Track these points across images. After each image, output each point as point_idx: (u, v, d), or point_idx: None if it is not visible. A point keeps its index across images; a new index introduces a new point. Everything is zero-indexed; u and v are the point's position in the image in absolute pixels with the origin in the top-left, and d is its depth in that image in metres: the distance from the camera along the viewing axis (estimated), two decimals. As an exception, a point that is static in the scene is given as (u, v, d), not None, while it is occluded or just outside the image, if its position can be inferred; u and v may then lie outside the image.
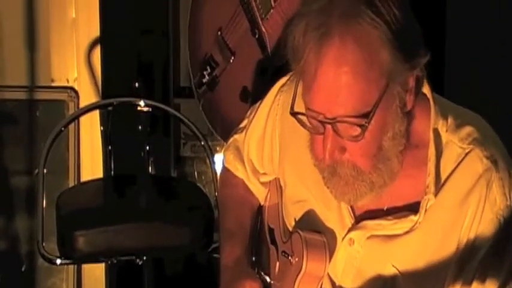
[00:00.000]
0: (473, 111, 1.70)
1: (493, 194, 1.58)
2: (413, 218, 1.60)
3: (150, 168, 3.31)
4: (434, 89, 1.65)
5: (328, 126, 1.53)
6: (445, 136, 1.62)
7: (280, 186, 1.89)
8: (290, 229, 1.82)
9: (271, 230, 1.94)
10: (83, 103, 3.41)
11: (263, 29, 2.48)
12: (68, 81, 3.47)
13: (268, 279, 1.92)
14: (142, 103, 3.05)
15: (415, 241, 1.61)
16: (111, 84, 3.48)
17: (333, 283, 1.73)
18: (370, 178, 1.57)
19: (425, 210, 1.59)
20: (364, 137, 1.52)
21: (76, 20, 3.43)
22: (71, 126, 3.32)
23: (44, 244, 2.78)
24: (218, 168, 2.90)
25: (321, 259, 1.70)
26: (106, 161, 3.38)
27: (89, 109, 3.16)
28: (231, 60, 2.69)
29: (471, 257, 1.58)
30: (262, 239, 1.98)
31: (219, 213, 2.06)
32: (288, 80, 1.87)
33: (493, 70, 2.69)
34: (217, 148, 3.24)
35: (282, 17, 2.41)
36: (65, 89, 3.46)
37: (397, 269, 1.63)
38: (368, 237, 1.66)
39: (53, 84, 3.47)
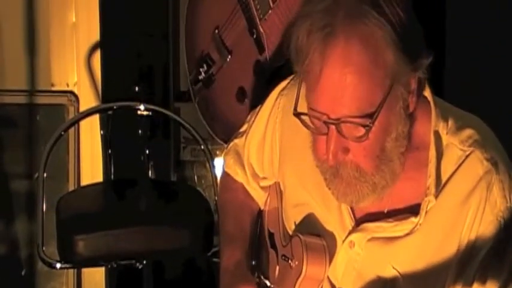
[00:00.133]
0: (473, 112, 1.70)
1: (493, 196, 1.58)
2: (413, 219, 1.60)
3: (150, 172, 3.31)
4: (434, 89, 1.65)
5: (332, 127, 1.53)
6: (445, 138, 1.62)
7: (280, 191, 1.90)
8: (290, 233, 1.82)
9: (271, 234, 1.94)
10: (83, 107, 3.41)
11: (261, 30, 2.48)
12: (68, 85, 3.47)
13: (268, 283, 1.92)
14: (142, 107, 3.05)
15: (416, 243, 1.62)
16: (111, 88, 3.48)
17: (333, 286, 1.73)
18: (373, 179, 1.57)
19: (426, 212, 1.60)
20: (368, 138, 1.52)
21: (76, 24, 3.43)
22: (71, 131, 3.32)
23: (43, 248, 2.77)
24: (218, 172, 2.90)
25: (321, 263, 1.70)
26: (106, 165, 3.38)
27: (89, 113, 3.16)
28: (228, 59, 2.69)
29: (471, 259, 1.59)
30: (262, 243, 1.98)
31: (219, 217, 2.06)
32: (288, 83, 1.87)
33: (493, 70, 2.69)
34: (217, 152, 3.24)
35: (280, 19, 2.42)
36: (65, 93, 3.46)
37: (398, 271, 1.64)
38: (368, 240, 1.66)
39: (53, 89, 3.47)
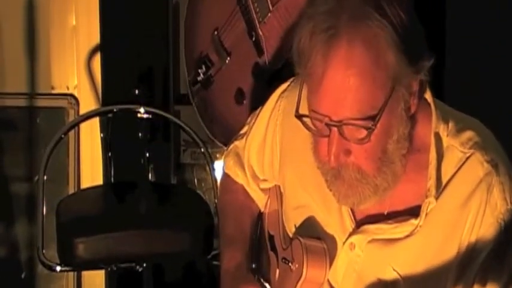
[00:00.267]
0: (473, 112, 1.71)
1: (493, 198, 1.59)
2: (414, 221, 1.60)
3: (150, 175, 3.31)
4: (434, 89, 1.66)
5: (334, 129, 1.53)
6: (446, 140, 1.62)
7: (281, 193, 1.90)
8: (290, 235, 1.82)
9: (271, 237, 1.94)
10: (83, 110, 3.41)
11: (260, 32, 2.48)
12: (68, 88, 3.48)
13: (268, 286, 1.92)
14: (142, 110, 3.05)
15: (416, 245, 1.62)
16: (111, 91, 3.49)
17: (333, 289, 1.74)
18: (374, 181, 1.57)
19: (426, 214, 1.60)
20: (370, 140, 1.52)
21: (76, 27, 3.44)
22: (71, 133, 3.33)
23: (43, 251, 2.78)
24: (218, 175, 2.90)
25: (321, 265, 1.70)
26: (106, 167, 3.39)
27: (89, 116, 3.16)
28: (227, 61, 2.69)
29: (472, 261, 1.59)
30: (262, 246, 1.98)
31: (219, 220, 2.06)
32: (288, 85, 1.87)
33: (493, 71, 2.69)
34: (217, 155, 3.24)
35: (279, 22, 2.42)
36: (65, 96, 3.46)
37: (398, 273, 1.64)
38: (369, 242, 1.66)
39: (53, 92, 3.47)
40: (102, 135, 3.40)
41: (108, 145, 3.36)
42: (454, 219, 1.60)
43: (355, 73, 1.48)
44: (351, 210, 1.68)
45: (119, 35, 3.48)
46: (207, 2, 2.82)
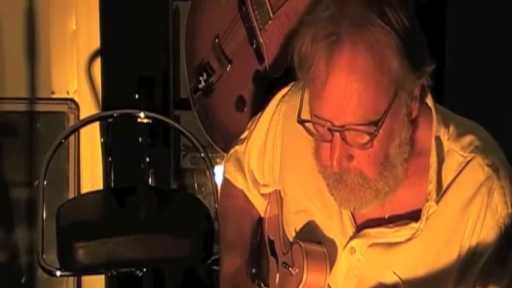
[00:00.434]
0: (473, 115, 1.71)
1: (494, 202, 1.59)
2: (414, 225, 1.61)
3: (150, 180, 3.31)
4: (434, 90, 1.66)
5: (336, 134, 1.53)
6: (446, 144, 1.63)
7: (281, 198, 1.89)
8: (290, 240, 1.82)
9: (271, 242, 1.94)
10: (83, 115, 3.41)
11: (261, 40, 2.49)
12: (68, 93, 3.47)
13: (268, 290, 1.92)
14: (142, 115, 3.05)
15: (417, 248, 1.62)
16: (111, 96, 3.49)
17: (333, 293, 1.74)
18: (376, 185, 1.57)
19: (427, 218, 1.60)
20: (373, 145, 1.53)
21: (76, 31, 3.44)
22: (71, 138, 3.32)
23: (43, 256, 2.77)
24: (218, 180, 2.90)
25: (321, 270, 1.70)
26: (106, 172, 3.38)
27: (89, 121, 3.16)
28: (228, 68, 2.69)
29: (472, 265, 1.59)
30: (262, 250, 1.98)
31: (219, 225, 2.06)
32: (289, 90, 1.87)
33: (493, 75, 2.69)
34: (217, 160, 3.24)
35: (279, 29, 2.42)
36: (65, 101, 3.46)
37: (399, 277, 1.64)
38: (369, 246, 1.66)
39: (53, 96, 3.47)
40: (102, 140, 3.39)
41: (108, 150, 3.36)
42: (455, 222, 1.60)
43: (358, 78, 1.48)
44: (352, 214, 1.68)
45: (119, 39, 3.49)
46: (208, 9, 2.82)
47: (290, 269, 1.76)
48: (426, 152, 1.63)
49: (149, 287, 2.90)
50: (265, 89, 2.46)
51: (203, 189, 3.69)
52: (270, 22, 2.45)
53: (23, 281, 3.50)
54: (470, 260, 1.59)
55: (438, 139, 1.63)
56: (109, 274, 3.20)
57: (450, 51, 2.64)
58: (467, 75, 2.68)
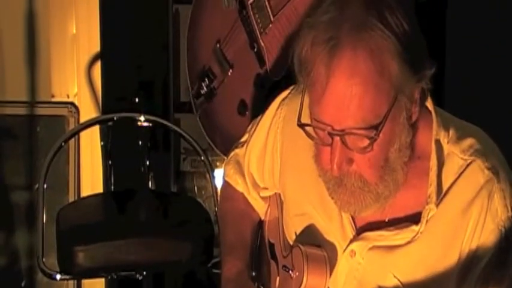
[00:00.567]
0: (473, 113, 1.71)
1: (494, 205, 1.59)
2: (414, 228, 1.61)
3: (150, 183, 3.31)
4: (434, 96, 1.66)
5: (336, 138, 1.53)
6: (446, 147, 1.63)
7: (281, 201, 1.89)
8: (291, 243, 1.82)
9: (271, 245, 1.94)
10: (83, 118, 3.41)
11: (262, 43, 2.48)
12: (68, 96, 3.48)
13: (268, 293, 1.92)
14: (142, 118, 3.05)
15: (417, 251, 1.62)
16: (111, 99, 3.49)
17: (333, 296, 1.73)
18: (376, 189, 1.57)
19: (427, 221, 1.60)
20: (372, 149, 1.53)
21: (76, 35, 3.44)
22: (71, 142, 3.32)
23: (43, 259, 2.77)
24: (218, 183, 2.90)
25: (321, 273, 1.70)
26: (106, 176, 3.39)
27: (89, 124, 3.16)
28: (229, 73, 2.69)
29: (473, 268, 1.59)
30: (263, 254, 1.98)
31: (219, 228, 2.06)
32: (289, 93, 1.87)
33: (493, 78, 2.70)
34: (217, 163, 3.24)
35: (280, 32, 2.42)
36: (65, 104, 3.46)
37: (399, 280, 1.64)
38: (370, 248, 1.66)
39: (53, 100, 3.47)
40: (102, 143, 3.40)
41: (108, 153, 3.36)
42: (455, 226, 1.60)
43: (358, 82, 1.48)
44: (352, 217, 1.68)
45: (119, 43, 3.49)
46: (209, 14, 2.82)
47: (290, 272, 1.76)
48: (426, 155, 1.63)
49: (149, 291, 2.90)
50: (267, 92, 2.46)
51: (203, 192, 3.69)
52: (270, 25, 2.45)
53: (23, 284, 3.50)
54: (470, 263, 1.59)
55: (438, 142, 1.63)
56: (109, 278, 3.21)
57: (450, 51, 2.64)
58: (467, 75, 2.68)
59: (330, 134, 1.53)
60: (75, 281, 3.40)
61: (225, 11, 2.65)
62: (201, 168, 3.57)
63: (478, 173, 1.60)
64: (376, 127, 1.51)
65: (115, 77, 3.50)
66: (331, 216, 1.71)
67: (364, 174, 1.56)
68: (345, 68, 1.48)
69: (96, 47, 3.43)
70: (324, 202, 1.68)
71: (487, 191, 1.59)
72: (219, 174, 2.81)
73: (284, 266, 1.82)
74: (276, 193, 1.93)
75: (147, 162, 3.31)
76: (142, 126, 3.10)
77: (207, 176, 3.11)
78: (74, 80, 3.46)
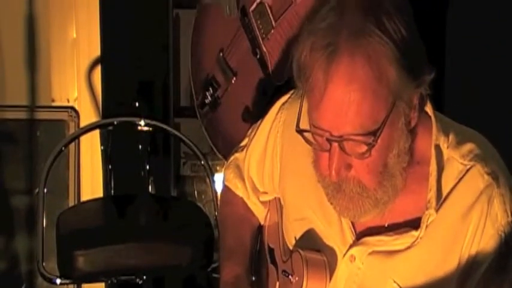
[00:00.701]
0: (473, 114, 1.71)
1: (494, 210, 1.59)
2: (414, 233, 1.60)
3: (150, 187, 3.32)
4: (434, 93, 1.66)
5: (335, 144, 1.53)
6: (446, 152, 1.63)
7: (281, 206, 1.89)
8: (290, 248, 1.82)
9: (271, 250, 1.94)
10: (83, 123, 3.42)
11: (264, 49, 2.48)
12: (68, 101, 3.48)
13: (268, 298, 1.92)
14: (142, 122, 3.06)
15: (417, 257, 1.62)
16: (112, 103, 3.49)
17: (333, 301, 1.73)
18: (375, 195, 1.57)
19: (427, 226, 1.60)
20: (371, 155, 1.53)
21: (77, 40, 3.45)
22: (71, 146, 3.33)
23: (43, 264, 2.77)
24: (218, 187, 2.90)
25: (321, 278, 1.70)
26: (106, 180, 3.39)
27: (89, 129, 3.16)
28: (233, 81, 2.69)
29: (472, 273, 1.59)
30: (262, 258, 1.98)
31: (219, 232, 2.06)
32: (289, 97, 1.87)
33: (493, 81, 2.69)
34: (217, 167, 3.24)
35: (282, 37, 2.42)
36: (65, 109, 3.47)
37: (399, 285, 1.63)
38: (369, 254, 1.66)
39: (54, 104, 3.48)
40: (102, 147, 3.40)
41: (108, 157, 3.36)
42: (455, 231, 1.60)
43: (356, 88, 1.48)
44: (351, 222, 1.68)
45: (119, 47, 3.49)
46: (212, 24, 2.82)
47: (290, 277, 1.76)
48: (426, 160, 1.63)
49: (149, 295, 2.90)
50: (271, 97, 2.46)
51: (203, 196, 3.69)
52: (272, 31, 2.45)
53: (23, 288, 3.50)
54: (470, 268, 1.59)
55: (438, 147, 1.63)
56: (109, 282, 3.21)
57: (450, 52, 2.63)
58: (467, 76, 2.68)
59: (328, 140, 1.53)
60: (75, 286, 3.40)
61: (227, 19, 2.65)
62: (201, 173, 3.57)
63: (478, 178, 1.60)
64: (374, 133, 1.51)
65: (115, 82, 3.50)
66: (330, 221, 1.71)
67: (363, 179, 1.56)
68: (343, 74, 1.48)
69: (96, 51, 3.43)
70: (324, 207, 1.68)
71: (487, 196, 1.59)
72: (219, 179, 2.81)
73: (284, 271, 1.82)
74: (275, 198, 1.93)
75: (147, 167, 3.31)
76: (142, 131, 3.11)
77: (207, 180, 3.11)
78: (74, 84, 3.47)
